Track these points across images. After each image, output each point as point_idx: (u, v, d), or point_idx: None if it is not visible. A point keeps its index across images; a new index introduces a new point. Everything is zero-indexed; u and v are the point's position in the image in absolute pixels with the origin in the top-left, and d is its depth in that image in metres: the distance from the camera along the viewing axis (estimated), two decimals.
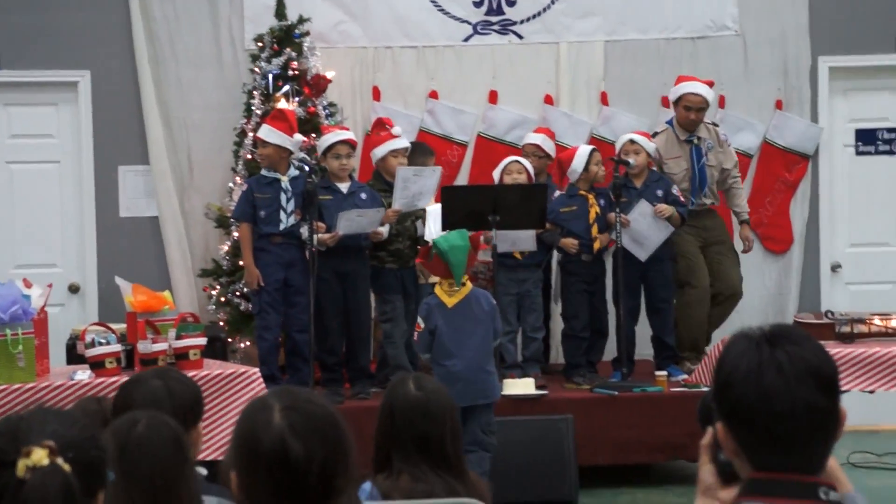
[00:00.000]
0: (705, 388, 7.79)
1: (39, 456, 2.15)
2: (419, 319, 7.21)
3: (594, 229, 8.68)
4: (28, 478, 2.14)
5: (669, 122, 9.10)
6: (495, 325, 7.20)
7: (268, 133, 8.38)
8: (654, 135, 9.11)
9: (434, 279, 8.72)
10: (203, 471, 3.62)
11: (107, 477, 2.33)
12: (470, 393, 6.95)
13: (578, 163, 8.73)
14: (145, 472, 3.07)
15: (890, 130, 10.28)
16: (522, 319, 8.86)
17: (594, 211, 8.70)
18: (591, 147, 8.98)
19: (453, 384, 6.80)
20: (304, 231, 8.17)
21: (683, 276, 8.93)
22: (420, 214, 8.58)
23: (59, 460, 2.17)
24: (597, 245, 8.69)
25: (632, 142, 8.89)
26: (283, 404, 2.66)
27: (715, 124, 9.27)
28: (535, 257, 8.79)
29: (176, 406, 3.66)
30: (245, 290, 8.89)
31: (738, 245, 9.27)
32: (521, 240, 8.57)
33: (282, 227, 8.33)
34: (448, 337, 7.09)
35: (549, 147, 9.19)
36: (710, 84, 9.12)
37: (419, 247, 8.38)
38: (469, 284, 7.17)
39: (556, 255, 9.09)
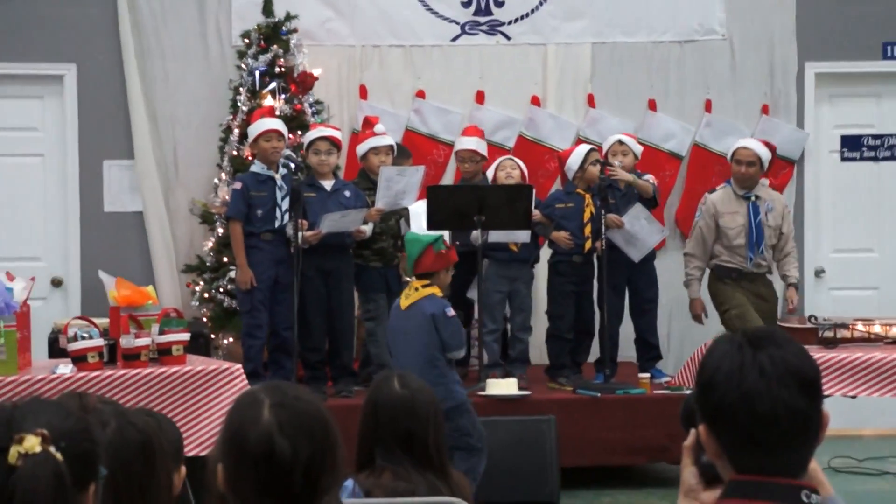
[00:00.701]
0: (688, 391, 7.80)
1: (32, 443, 2.16)
2: None
3: (587, 229, 8.67)
4: (19, 465, 2.15)
5: (728, 181, 9.00)
6: (442, 336, 7.00)
7: (283, 126, 8.41)
8: (713, 191, 9.03)
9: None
10: None
11: (99, 471, 2.33)
12: None
13: (574, 161, 8.73)
14: (113, 477, 2.88)
15: (875, 137, 10.31)
16: (511, 318, 8.85)
17: (589, 211, 8.67)
18: (588, 146, 8.97)
19: None
20: (289, 228, 8.16)
21: (735, 324, 8.59)
22: (404, 214, 8.58)
23: (52, 449, 2.18)
24: (587, 245, 8.67)
25: (620, 142, 8.91)
26: (273, 401, 2.65)
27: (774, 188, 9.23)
28: (528, 251, 8.75)
29: (168, 442, 3.49)
30: (230, 287, 8.88)
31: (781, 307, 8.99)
32: (517, 231, 8.56)
33: (277, 224, 8.30)
34: (392, 339, 7.09)
35: (483, 148, 9.11)
36: (771, 147, 9.00)
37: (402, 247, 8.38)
38: (424, 291, 7.04)
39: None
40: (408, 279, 8.40)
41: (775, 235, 8.87)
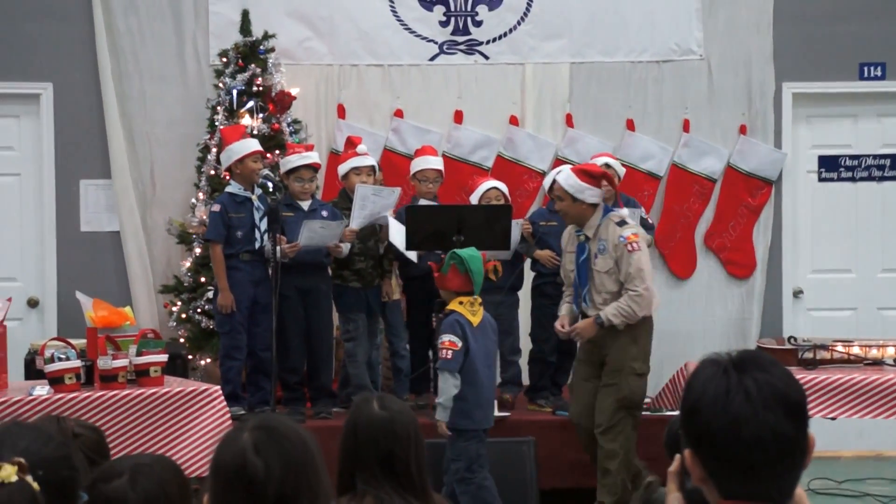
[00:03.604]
0: (667, 413, 7.78)
1: (8, 472, 2.15)
2: (452, 338, 6.97)
3: None
4: None
5: None
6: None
7: (260, 146, 8.39)
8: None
9: (397, 296, 8.72)
10: None
11: (79, 497, 2.32)
12: (490, 414, 7.16)
13: (545, 182, 8.76)
14: None
15: (852, 157, 10.33)
16: (500, 343, 8.79)
17: None
18: (562, 167, 8.95)
19: (482, 406, 7.00)
20: (268, 246, 8.12)
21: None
22: (383, 236, 8.52)
23: (28, 478, 2.16)
24: None
25: (607, 165, 8.65)
26: (255, 424, 2.67)
27: (624, 222, 7.53)
28: (509, 278, 8.65)
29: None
30: (207, 307, 8.84)
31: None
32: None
33: (257, 245, 8.26)
34: (477, 357, 7.03)
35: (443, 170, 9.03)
36: (608, 174, 7.89)
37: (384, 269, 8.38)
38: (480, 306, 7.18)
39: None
40: (386, 294, 8.46)
41: (613, 281, 7.50)
